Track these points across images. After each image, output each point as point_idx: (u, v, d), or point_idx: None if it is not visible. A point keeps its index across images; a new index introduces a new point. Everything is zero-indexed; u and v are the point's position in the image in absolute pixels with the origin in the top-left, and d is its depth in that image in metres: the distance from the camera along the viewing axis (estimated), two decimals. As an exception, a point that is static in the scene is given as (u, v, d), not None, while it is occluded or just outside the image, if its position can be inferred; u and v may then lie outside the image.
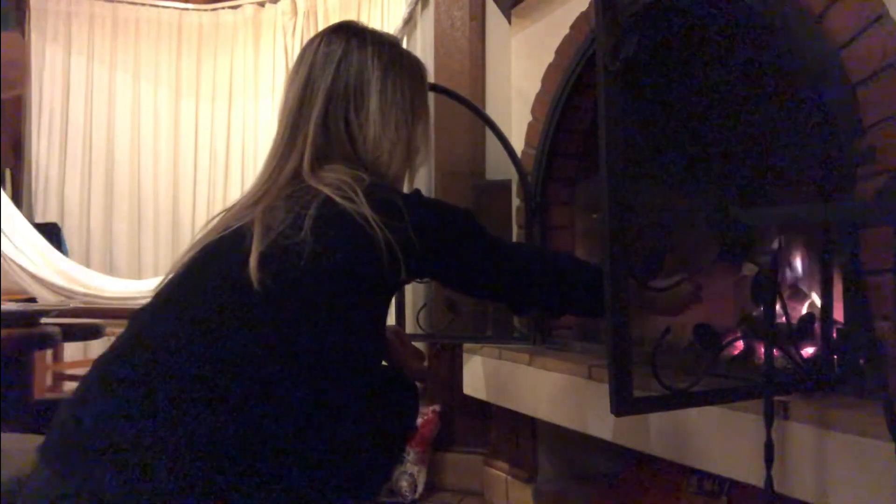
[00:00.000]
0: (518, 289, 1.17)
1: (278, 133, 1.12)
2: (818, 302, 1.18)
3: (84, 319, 2.80)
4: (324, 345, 0.91)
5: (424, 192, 1.15)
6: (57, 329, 1.92)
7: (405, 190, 1.15)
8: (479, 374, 2.01)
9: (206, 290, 0.94)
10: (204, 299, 0.92)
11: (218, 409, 0.82)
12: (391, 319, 2.04)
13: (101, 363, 0.90)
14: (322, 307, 0.92)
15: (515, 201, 2.09)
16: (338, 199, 0.97)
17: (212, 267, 0.97)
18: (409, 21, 2.68)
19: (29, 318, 1.88)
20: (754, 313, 1.24)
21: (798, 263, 1.46)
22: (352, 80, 1.11)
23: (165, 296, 0.97)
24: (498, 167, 2.32)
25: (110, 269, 3.56)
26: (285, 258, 0.92)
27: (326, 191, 0.99)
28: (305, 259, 0.92)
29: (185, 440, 0.80)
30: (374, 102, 1.11)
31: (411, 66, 1.19)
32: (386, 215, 0.97)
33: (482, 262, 1.12)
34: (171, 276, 1.00)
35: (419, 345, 2.30)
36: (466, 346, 2.08)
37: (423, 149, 1.20)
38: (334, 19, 2.91)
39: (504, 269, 1.15)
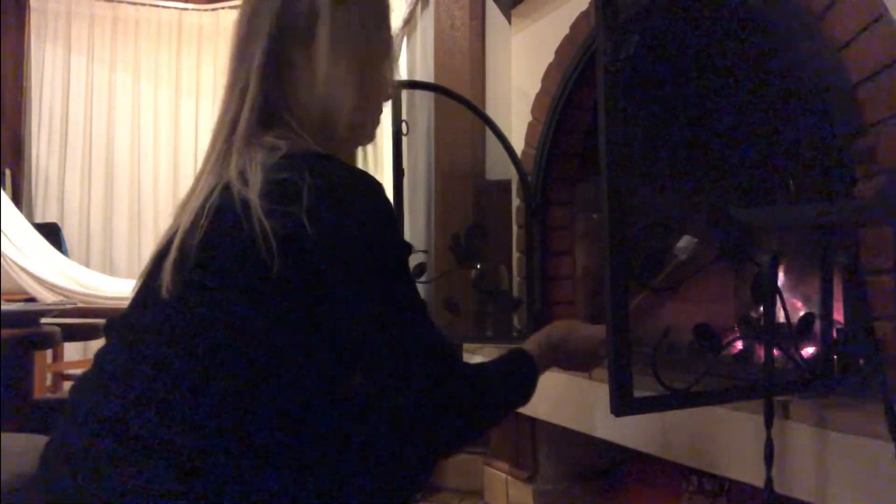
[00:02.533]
0: (408, 371, 0.84)
1: (225, 86, 0.93)
2: (818, 302, 1.18)
3: (84, 319, 2.80)
4: (235, 359, 0.78)
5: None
6: (57, 329, 1.92)
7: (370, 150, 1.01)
8: (479, 374, 2.01)
9: (145, 302, 0.86)
10: (143, 312, 0.85)
11: (166, 430, 0.77)
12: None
13: (82, 380, 0.88)
14: (220, 316, 0.79)
15: (515, 201, 2.09)
16: (232, 184, 0.81)
17: (153, 273, 0.88)
18: (409, 21, 2.68)
19: (29, 318, 1.88)
20: (754, 313, 1.24)
21: (798, 263, 1.46)
22: (303, 8, 0.91)
23: (129, 306, 0.90)
24: (498, 167, 2.32)
25: (110, 269, 3.56)
26: (182, 260, 0.81)
27: (231, 173, 0.83)
28: (193, 259, 0.80)
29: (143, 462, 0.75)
30: (323, 36, 0.90)
31: None
32: (274, 199, 0.78)
33: (384, 300, 0.83)
34: (140, 278, 0.92)
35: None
36: (466, 346, 2.08)
37: (384, 92, 0.99)
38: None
39: (404, 331, 0.84)
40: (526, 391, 1.00)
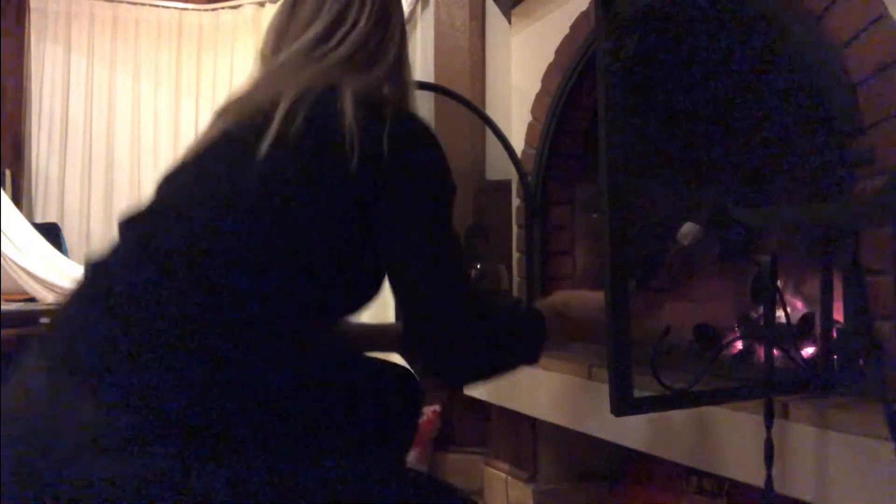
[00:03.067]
0: (438, 296, 0.91)
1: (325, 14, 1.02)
2: (818, 302, 1.18)
3: (84, 319, 2.79)
4: (293, 253, 0.86)
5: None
6: (57, 329, 1.92)
7: None
8: (479, 374, 2.01)
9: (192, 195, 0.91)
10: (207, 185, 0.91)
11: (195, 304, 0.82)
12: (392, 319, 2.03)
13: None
14: (290, 205, 0.87)
15: (515, 201, 2.09)
16: (324, 91, 0.92)
17: (199, 168, 0.94)
18: (409, 21, 2.68)
19: (29, 318, 1.88)
20: (754, 313, 1.24)
21: (798, 263, 1.45)
22: None
23: (161, 205, 0.94)
24: (498, 167, 2.32)
25: (110, 269, 3.56)
26: (243, 149, 0.89)
27: (318, 83, 0.93)
28: (273, 148, 0.88)
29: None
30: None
31: None
32: (363, 114, 0.90)
33: (428, 227, 0.93)
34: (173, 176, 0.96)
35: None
36: (466, 346, 2.07)
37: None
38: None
39: (440, 261, 0.92)
40: (536, 347, 1.04)
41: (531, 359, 1.03)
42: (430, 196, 0.94)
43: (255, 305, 0.83)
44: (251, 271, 0.84)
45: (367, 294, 0.97)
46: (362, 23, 1.02)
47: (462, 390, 2.12)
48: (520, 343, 1.03)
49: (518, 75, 2.12)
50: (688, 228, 1.13)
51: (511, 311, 1.07)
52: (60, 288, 2.99)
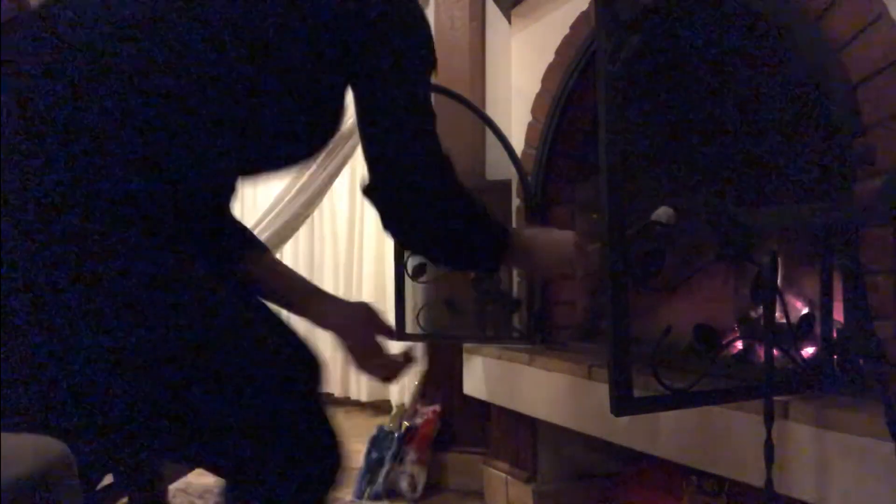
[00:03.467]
0: (407, 170, 0.94)
1: None
2: (818, 302, 1.18)
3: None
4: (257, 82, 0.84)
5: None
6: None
7: None
8: (479, 374, 2.01)
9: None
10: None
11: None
12: (392, 318, 2.03)
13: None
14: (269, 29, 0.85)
15: (515, 201, 2.09)
16: None
17: None
18: (409, 21, 2.68)
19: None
20: (754, 313, 1.24)
21: (798, 263, 1.45)
22: None
23: None
24: (498, 167, 2.32)
25: (110, 269, 3.55)
26: None
27: None
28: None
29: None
30: None
31: None
32: None
33: (410, 85, 0.94)
34: None
35: (421, 345, 2.29)
36: (466, 346, 2.08)
37: None
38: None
39: (416, 117, 0.94)
40: (496, 252, 1.05)
41: (488, 259, 1.04)
42: (415, 59, 0.95)
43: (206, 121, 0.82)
44: (220, 89, 0.82)
45: (316, 142, 0.97)
46: None
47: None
48: (479, 232, 1.03)
49: (518, 75, 2.13)
50: (662, 212, 1.13)
51: (481, 207, 1.04)
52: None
